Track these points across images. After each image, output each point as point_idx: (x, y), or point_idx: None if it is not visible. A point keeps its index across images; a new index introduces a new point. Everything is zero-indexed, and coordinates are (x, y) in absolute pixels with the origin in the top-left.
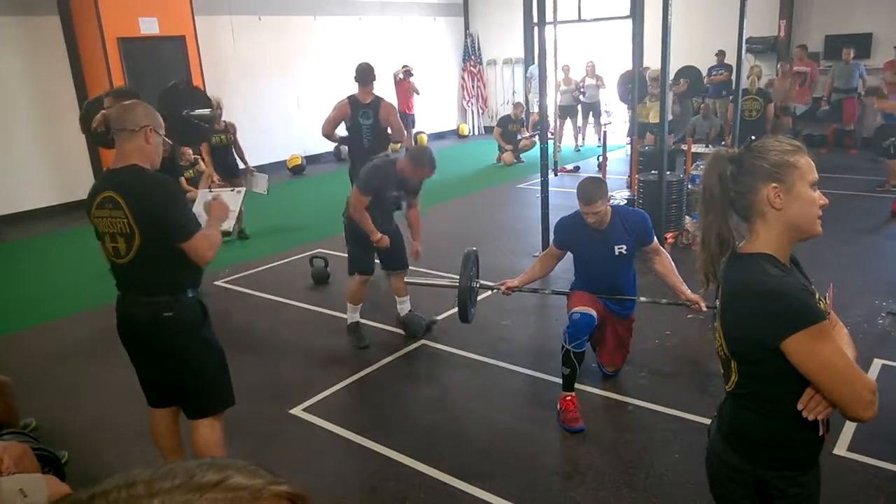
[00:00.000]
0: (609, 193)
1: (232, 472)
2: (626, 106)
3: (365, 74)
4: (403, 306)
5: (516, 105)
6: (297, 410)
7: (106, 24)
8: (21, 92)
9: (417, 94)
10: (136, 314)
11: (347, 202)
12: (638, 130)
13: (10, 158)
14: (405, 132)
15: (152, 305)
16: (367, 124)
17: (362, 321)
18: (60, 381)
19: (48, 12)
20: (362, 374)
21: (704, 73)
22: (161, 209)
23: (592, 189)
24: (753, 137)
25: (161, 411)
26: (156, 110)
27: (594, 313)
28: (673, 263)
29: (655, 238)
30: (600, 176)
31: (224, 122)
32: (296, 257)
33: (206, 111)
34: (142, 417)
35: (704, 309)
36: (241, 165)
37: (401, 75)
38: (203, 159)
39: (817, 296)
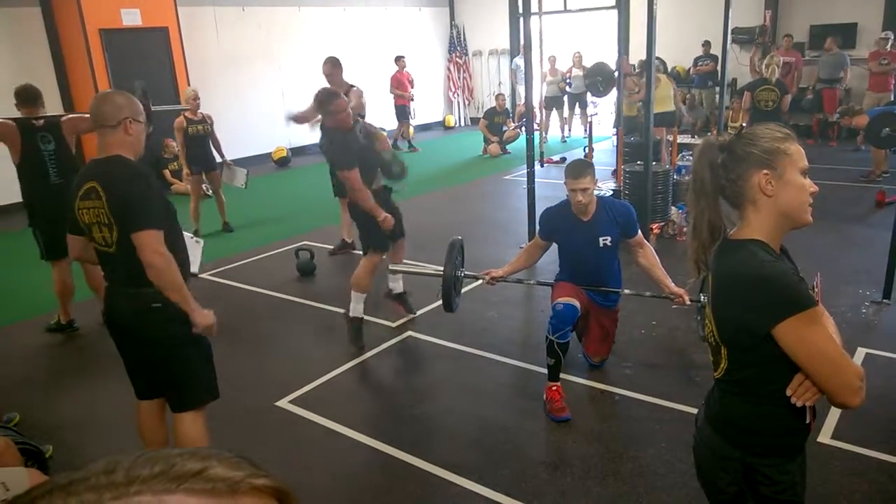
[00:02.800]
0: (597, 179)
1: (214, 462)
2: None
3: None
4: (396, 284)
5: (498, 96)
6: (283, 402)
7: (88, 16)
8: (2, 84)
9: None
10: (123, 305)
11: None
12: (625, 124)
13: None
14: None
15: (140, 297)
16: None
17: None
18: (45, 375)
19: (29, 3)
20: (348, 365)
21: (690, 63)
22: (127, 196)
23: (581, 166)
24: (744, 125)
25: (147, 403)
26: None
27: (577, 304)
28: (657, 257)
29: (640, 231)
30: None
31: (201, 113)
32: (281, 249)
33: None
34: (127, 410)
35: (688, 303)
36: (219, 159)
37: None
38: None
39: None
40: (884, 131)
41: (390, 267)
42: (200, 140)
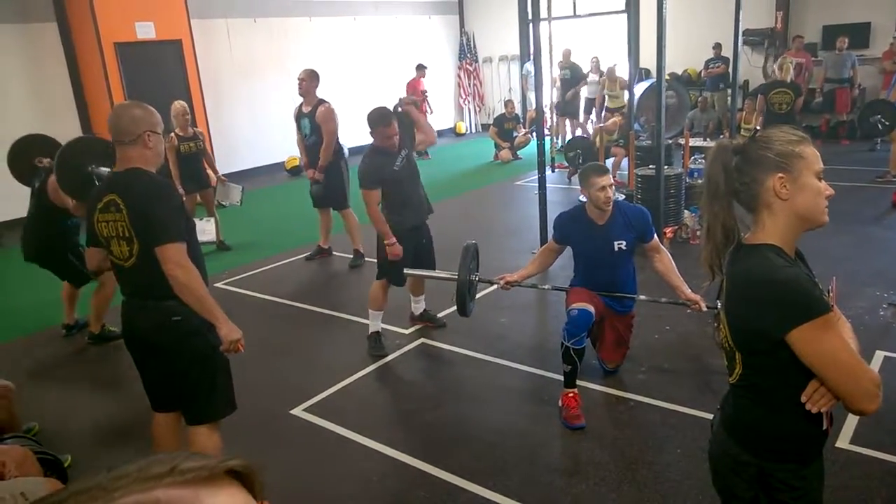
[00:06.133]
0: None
1: (180, 459)
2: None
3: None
4: (418, 305)
5: (507, 102)
6: (297, 410)
7: (103, 30)
8: (20, 99)
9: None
10: (142, 318)
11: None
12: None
13: None
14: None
15: (160, 310)
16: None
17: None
18: (64, 385)
19: (45, 19)
20: (362, 373)
21: (702, 66)
22: (150, 209)
23: (601, 165)
24: (758, 127)
25: (164, 416)
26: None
27: (592, 309)
28: (673, 262)
29: (656, 236)
30: None
31: (193, 129)
32: (295, 258)
33: (107, 170)
34: (144, 421)
35: (704, 309)
36: (214, 176)
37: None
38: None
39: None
40: (873, 118)
41: (405, 271)
42: (193, 158)
